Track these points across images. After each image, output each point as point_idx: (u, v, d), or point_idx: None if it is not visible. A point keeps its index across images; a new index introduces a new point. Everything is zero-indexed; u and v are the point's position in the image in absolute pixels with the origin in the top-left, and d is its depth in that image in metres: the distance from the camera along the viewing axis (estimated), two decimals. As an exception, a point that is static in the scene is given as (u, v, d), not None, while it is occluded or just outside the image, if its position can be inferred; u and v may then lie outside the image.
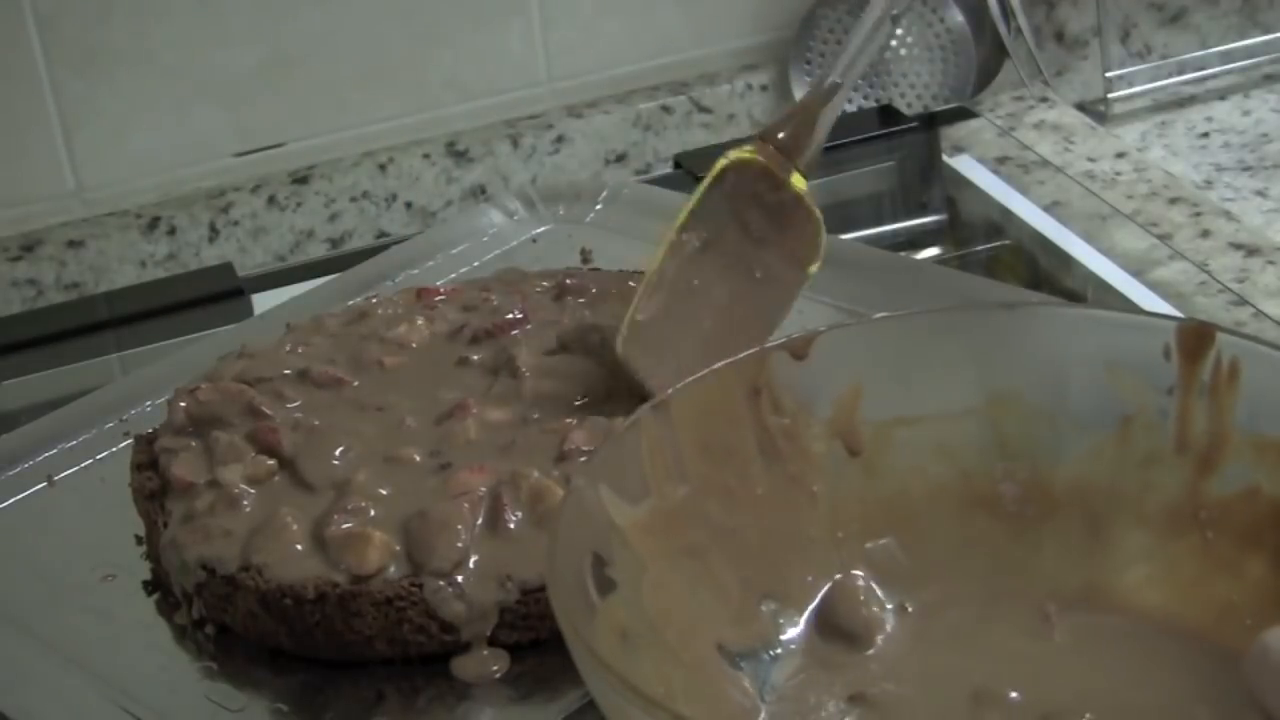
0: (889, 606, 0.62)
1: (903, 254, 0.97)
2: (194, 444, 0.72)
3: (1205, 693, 0.57)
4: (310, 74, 1.07)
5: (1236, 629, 0.57)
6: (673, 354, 0.70)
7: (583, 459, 0.66)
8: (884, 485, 0.64)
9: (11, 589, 0.71)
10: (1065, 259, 0.95)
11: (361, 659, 0.65)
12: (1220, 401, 0.60)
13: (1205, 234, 0.94)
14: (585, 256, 0.89)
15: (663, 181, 1.02)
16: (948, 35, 1.12)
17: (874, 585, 0.62)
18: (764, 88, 1.14)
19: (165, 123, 1.05)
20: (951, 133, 1.08)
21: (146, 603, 0.70)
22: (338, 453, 0.70)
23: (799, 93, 1.13)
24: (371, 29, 1.08)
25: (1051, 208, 0.99)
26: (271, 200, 1.07)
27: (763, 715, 0.58)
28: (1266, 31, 1.17)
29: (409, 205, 1.10)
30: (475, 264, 0.91)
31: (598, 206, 0.94)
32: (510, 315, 0.77)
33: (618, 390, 0.71)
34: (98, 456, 0.78)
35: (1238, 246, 0.92)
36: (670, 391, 0.61)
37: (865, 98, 1.13)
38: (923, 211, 1.06)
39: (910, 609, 0.62)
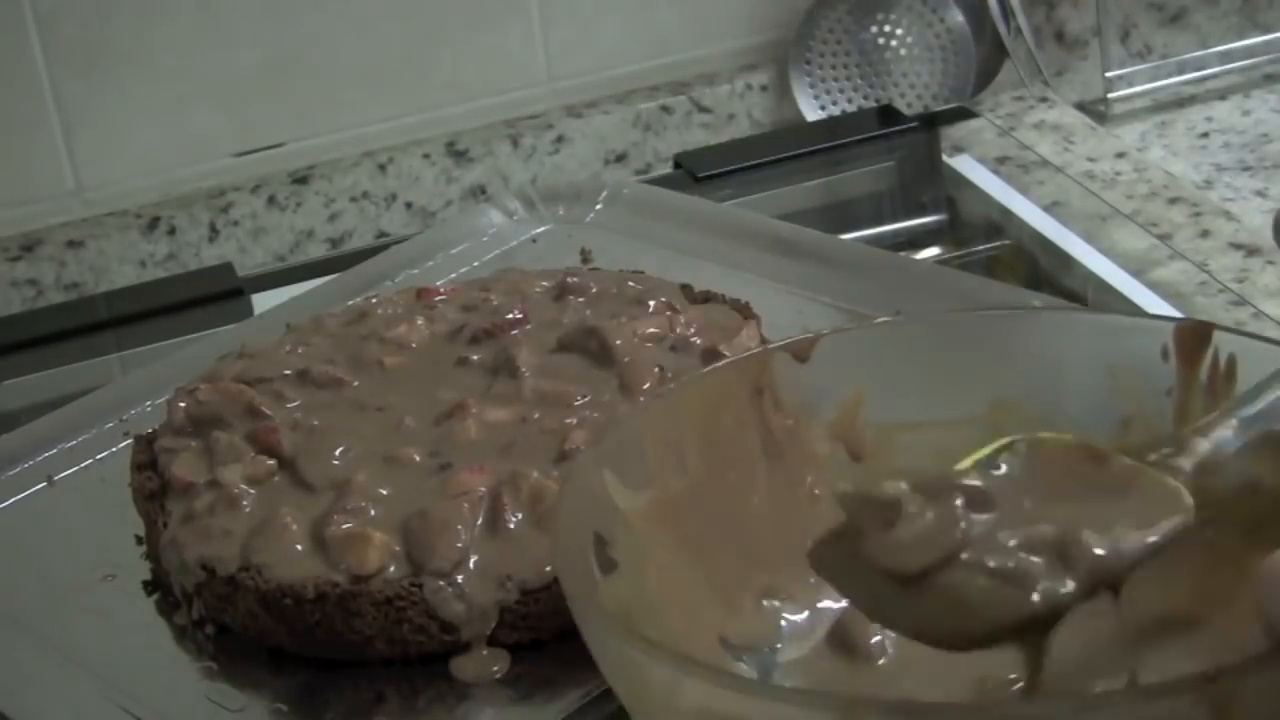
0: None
1: (903, 254, 0.97)
2: (194, 444, 0.72)
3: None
4: (310, 74, 1.07)
5: (1238, 626, 0.57)
6: None
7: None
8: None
9: (11, 589, 0.71)
10: (1065, 259, 0.94)
11: (361, 659, 0.65)
12: (1218, 398, 0.60)
13: (1205, 234, 0.94)
14: (585, 256, 0.89)
15: (663, 181, 1.02)
16: (948, 35, 1.12)
17: None
18: (764, 88, 1.14)
19: (165, 123, 1.05)
20: (951, 133, 1.08)
21: (146, 603, 0.70)
22: (337, 453, 0.70)
23: (799, 93, 1.13)
24: (371, 29, 1.08)
25: (1051, 208, 0.99)
26: (271, 200, 1.07)
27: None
28: (1266, 31, 1.17)
29: (409, 205, 1.10)
30: (475, 264, 0.91)
31: (598, 206, 0.94)
32: (510, 315, 0.77)
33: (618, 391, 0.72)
34: (98, 456, 0.78)
35: (1238, 246, 0.92)
36: (674, 386, 0.61)
37: (865, 98, 1.13)
38: (923, 211, 1.06)
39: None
